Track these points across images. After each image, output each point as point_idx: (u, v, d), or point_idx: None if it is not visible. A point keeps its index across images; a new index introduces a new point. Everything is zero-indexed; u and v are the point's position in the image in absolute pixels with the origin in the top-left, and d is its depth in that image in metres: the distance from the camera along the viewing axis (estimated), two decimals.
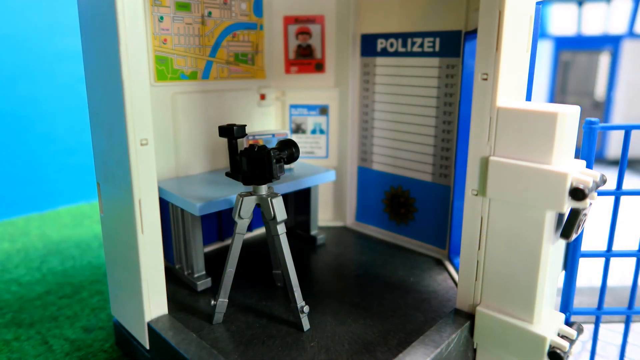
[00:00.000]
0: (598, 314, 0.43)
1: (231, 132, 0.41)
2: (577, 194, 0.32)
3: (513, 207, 0.36)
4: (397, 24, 0.56)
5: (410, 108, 0.56)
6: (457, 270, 0.51)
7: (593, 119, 0.39)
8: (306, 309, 0.41)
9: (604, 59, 1.31)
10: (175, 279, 0.50)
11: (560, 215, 0.36)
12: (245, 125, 0.43)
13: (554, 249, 0.37)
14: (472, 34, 0.48)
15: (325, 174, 0.57)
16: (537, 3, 0.38)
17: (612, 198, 0.41)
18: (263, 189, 0.40)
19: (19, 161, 0.89)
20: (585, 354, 0.47)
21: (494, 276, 0.39)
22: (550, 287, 0.38)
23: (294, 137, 0.63)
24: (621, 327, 0.51)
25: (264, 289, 0.48)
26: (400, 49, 0.56)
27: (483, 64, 0.36)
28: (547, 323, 0.37)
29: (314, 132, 0.63)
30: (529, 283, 0.36)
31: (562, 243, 0.39)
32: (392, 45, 0.57)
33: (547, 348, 0.36)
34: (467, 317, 0.40)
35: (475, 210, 0.39)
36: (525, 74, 0.39)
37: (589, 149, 0.39)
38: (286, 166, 0.57)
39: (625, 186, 0.45)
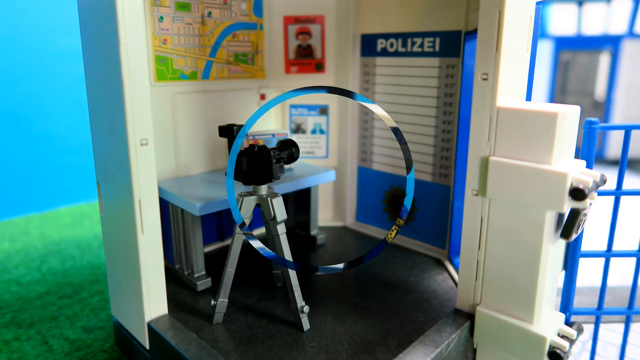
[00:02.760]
0: (598, 314, 0.43)
1: (231, 132, 0.41)
2: (577, 194, 0.32)
3: (513, 207, 0.36)
4: (397, 24, 0.56)
5: (410, 108, 0.56)
6: (457, 270, 0.51)
7: (593, 119, 0.39)
8: (306, 309, 0.41)
9: (604, 59, 1.31)
10: (175, 279, 0.50)
11: (560, 215, 0.36)
12: None
13: (554, 249, 0.37)
14: (472, 34, 0.48)
15: (325, 174, 0.57)
16: (537, 3, 0.38)
17: (612, 198, 0.41)
18: (263, 189, 0.40)
19: (19, 161, 0.89)
20: (585, 354, 0.47)
21: (494, 276, 0.39)
22: (550, 287, 0.38)
23: (294, 137, 0.63)
24: (621, 327, 0.51)
25: (264, 289, 0.48)
26: (400, 49, 0.56)
27: (483, 64, 0.36)
28: (547, 323, 0.37)
29: (314, 132, 0.63)
30: (529, 283, 0.36)
31: (562, 243, 0.39)
32: (392, 45, 0.57)
33: (547, 348, 0.36)
34: (467, 317, 0.40)
35: (475, 210, 0.39)
36: (525, 74, 0.39)
37: (589, 149, 0.39)
38: (286, 166, 0.57)
39: (625, 186, 0.45)
